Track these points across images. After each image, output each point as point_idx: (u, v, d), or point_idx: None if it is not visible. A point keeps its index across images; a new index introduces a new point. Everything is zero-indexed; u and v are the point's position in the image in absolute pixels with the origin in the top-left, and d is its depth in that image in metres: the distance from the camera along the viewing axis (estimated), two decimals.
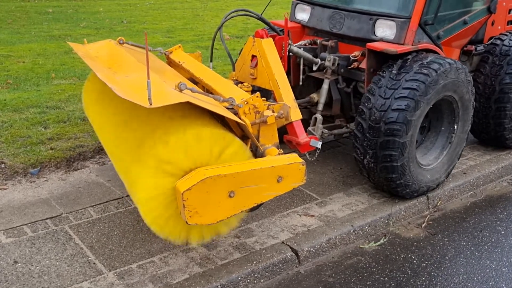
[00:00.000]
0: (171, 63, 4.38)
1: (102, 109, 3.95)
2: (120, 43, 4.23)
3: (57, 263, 3.47)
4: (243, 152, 3.15)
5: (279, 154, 3.32)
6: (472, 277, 3.64)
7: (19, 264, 3.45)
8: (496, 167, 5.11)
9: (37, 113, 5.72)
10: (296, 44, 4.74)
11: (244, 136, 3.39)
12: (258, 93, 3.36)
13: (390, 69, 4.08)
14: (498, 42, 5.05)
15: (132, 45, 4.35)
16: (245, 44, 5.00)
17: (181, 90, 2.96)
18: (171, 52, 4.41)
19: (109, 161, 4.87)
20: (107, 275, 3.38)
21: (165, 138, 2.96)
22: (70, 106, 5.91)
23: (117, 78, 3.31)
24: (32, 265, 3.44)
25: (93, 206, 4.16)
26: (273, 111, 3.44)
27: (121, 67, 3.61)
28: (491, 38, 5.16)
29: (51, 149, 4.92)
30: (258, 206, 3.24)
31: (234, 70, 4.33)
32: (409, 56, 4.13)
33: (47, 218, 3.97)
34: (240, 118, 3.21)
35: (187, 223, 2.92)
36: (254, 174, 3.00)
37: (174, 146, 2.95)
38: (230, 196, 2.96)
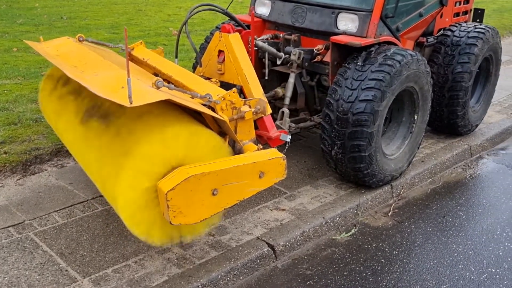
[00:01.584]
0: (133, 60, 4.24)
1: (64, 108, 3.77)
2: (79, 40, 4.05)
3: (27, 273, 3.30)
4: (224, 149, 3.11)
5: (258, 149, 3.30)
6: (442, 261, 3.77)
7: None
8: (450, 154, 5.31)
9: None
10: (259, 38, 4.72)
11: (221, 132, 3.35)
12: (234, 89, 3.33)
13: (355, 61, 4.14)
14: (449, 33, 5.24)
15: (92, 42, 4.19)
16: (205, 38, 4.93)
17: (158, 88, 2.88)
18: (133, 49, 4.27)
19: (68, 163, 4.68)
20: (82, 282, 3.25)
21: (145, 138, 2.87)
22: (19, 107, 5.62)
23: (86, 77, 3.17)
24: None
25: (57, 211, 3.99)
26: (250, 107, 3.41)
27: (88, 65, 3.45)
28: (440, 29, 5.35)
29: (5, 153, 4.66)
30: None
31: (200, 65, 4.25)
32: (373, 48, 4.21)
33: (9, 226, 3.77)
34: (218, 115, 3.16)
35: (171, 223, 2.85)
36: (236, 170, 2.97)
37: (154, 145, 2.86)
38: (213, 194, 2.92)
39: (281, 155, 3.19)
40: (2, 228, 3.74)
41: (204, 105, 3.20)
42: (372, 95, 3.97)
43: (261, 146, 3.37)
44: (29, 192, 4.24)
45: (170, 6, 12.78)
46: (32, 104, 5.68)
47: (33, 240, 3.63)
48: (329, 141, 4.20)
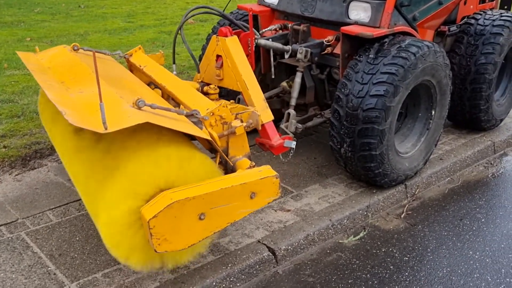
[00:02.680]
0: (131, 66, 4.08)
1: (60, 125, 3.58)
2: (74, 50, 3.83)
3: (13, 276, 3.17)
4: (212, 169, 2.91)
5: (251, 166, 3.09)
6: (456, 269, 3.50)
7: None
8: (472, 151, 4.99)
9: None
10: (266, 29, 4.49)
11: (212, 149, 3.16)
12: (224, 102, 3.14)
13: (367, 53, 3.87)
14: (473, 21, 4.90)
15: (88, 50, 3.94)
16: (208, 38, 4.68)
17: (139, 108, 2.69)
18: (131, 55, 4.08)
19: None
20: (70, 287, 3.10)
21: (136, 156, 2.70)
22: (24, 99, 5.51)
23: (71, 95, 3.00)
24: None
25: (52, 209, 3.85)
26: (241, 121, 3.21)
27: (75, 80, 3.26)
28: (463, 18, 5.01)
29: (4, 147, 4.55)
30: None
31: (199, 71, 4.02)
32: (386, 39, 3.93)
33: (1, 225, 3.65)
34: (207, 130, 2.99)
35: (156, 251, 2.67)
36: (225, 193, 2.77)
37: (144, 165, 2.69)
38: (200, 219, 2.72)
39: (274, 173, 2.97)
40: None
41: (192, 121, 2.99)
42: (384, 90, 3.70)
43: (254, 164, 3.14)
44: (26, 189, 4.11)
45: None
46: (38, 96, 5.55)
47: (24, 240, 3.50)
48: (338, 139, 3.95)
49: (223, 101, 3.19)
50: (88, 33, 8.56)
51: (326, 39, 4.20)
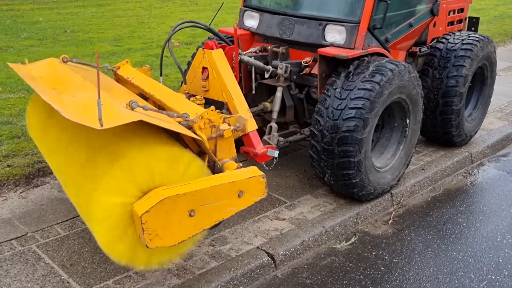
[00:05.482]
0: (119, 79, 4.24)
1: (49, 133, 3.74)
2: (64, 61, 4.01)
3: (29, 285, 3.34)
4: (201, 169, 3.09)
5: (238, 168, 3.29)
6: (442, 269, 3.78)
7: None
8: (451, 161, 5.32)
9: None
10: (246, 51, 4.69)
11: (201, 152, 3.36)
12: (213, 107, 3.34)
13: (344, 72, 4.14)
14: (444, 40, 5.22)
15: (76, 62, 4.15)
16: (194, 55, 4.91)
17: (132, 109, 2.88)
18: (118, 68, 4.27)
19: None
20: None
21: (122, 159, 2.87)
22: (22, 120, 5.68)
23: (64, 99, 3.18)
24: None
25: (59, 223, 4.03)
26: (229, 124, 3.42)
27: (66, 87, 3.43)
28: (433, 39, 5.35)
29: (8, 166, 4.73)
30: (218, 223, 3.18)
31: (185, 83, 4.23)
32: (362, 59, 4.20)
33: (12, 239, 3.81)
34: (196, 134, 3.17)
35: (147, 246, 2.83)
36: (214, 190, 2.95)
37: (130, 167, 2.86)
38: (190, 215, 2.89)
39: (261, 173, 3.15)
40: (5, 241, 3.79)
41: (182, 124, 3.20)
42: (361, 104, 3.95)
43: (241, 165, 3.34)
44: (32, 205, 4.29)
45: (173, 18, 12.87)
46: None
47: (35, 252, 3.67)
48: (319, 169, 4.22)
49: (212, 107, 3.37)
50: (77, 57, 8.74)
51: (304, 60, 4.45)
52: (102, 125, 2.56)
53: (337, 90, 4.07)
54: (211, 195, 2.95)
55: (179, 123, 3.21)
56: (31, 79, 3.63)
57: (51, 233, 3.90)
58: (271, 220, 4.18)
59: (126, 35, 10.89)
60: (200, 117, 3.25)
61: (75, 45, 9.63)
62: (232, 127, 3.43)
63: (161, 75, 4.52)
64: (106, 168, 2.90)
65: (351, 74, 4.09)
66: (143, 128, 3.05)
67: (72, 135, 3.43)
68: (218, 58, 3.94)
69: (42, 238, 3.83)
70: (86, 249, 3.72)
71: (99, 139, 3.15)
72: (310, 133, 4.20)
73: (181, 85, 4.32)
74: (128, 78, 4.15)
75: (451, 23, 5.60)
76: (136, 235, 2.93)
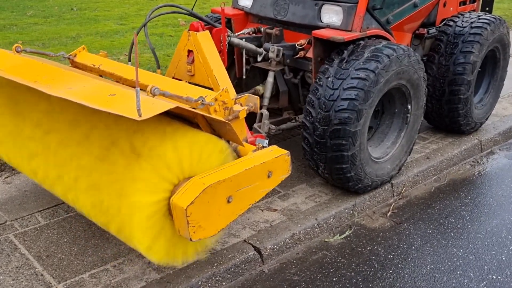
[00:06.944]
0: (78, 67, 3.94)
1: (20, 133, 3.45)
2: (17, 51, 3.60)
3: (0, 277, 3.20)
4: (229, 154, 2.99)
5: (259, 147, 3.16)
6: (440, 267, 3.55)
7: None
8: (458, 149, 5.05)
9: None
10: (239, 32, 4.42)
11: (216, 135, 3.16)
12: (226, 88, 3.15)
13: (338, 58, 3.87)
14: (451, 23, 4.89)
15: (31, 51, 3.78)
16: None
17: (154, 95, 2.67)
18: (75, 55, 3.99)
19: None
20: (57, 287, 3.14)
21: (147, 154, 2.67)
22: None
23: (59, 91, 2.88)
24: None
25: (40, 211, 3.89)
26: (241, 105, 3.25)
27: (53, 79, 3.09)
28: (443, 20, 5.01)
29: None
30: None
31: (158, 67, 3.98)
32: (358, 43, 3.92)
33: None
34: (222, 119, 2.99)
35: (191, 240, 2.69)
36: (248, 173, 2.85)
37: (159, 161, 2.68)
38: (228, 202, 2.78)
39: (285, 151, 3.10)
40: None
41: (199, 108, 2.99)
42: (355, 95, 3.68)
43: (261, 145, 3.21)
44: (16, 191, 4.15)
45: None
46: None
47: (12, 242, 3.53)
48: (310, 140, 3.92)
49: (225, 87, 3.20)
50: (80, 35, 8.59)
51: (298, 42, 4.17)
52: (140, 115, 2.35)
53: (329, 79, 3.79)
54: (246, 179, 2.87)
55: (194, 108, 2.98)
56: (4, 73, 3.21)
57: (31, 222, 3.75)
58: (262, 211, 3.98)
59: (133, 13, 10.69)
60: (215, 99, 3.11)
61: (79, 23, 9.47)
62: (246, 108, 3.29)
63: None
64: (130, 167, 2.70)
65: (345, 61, 3.80)
66: (160, 118, 2.77)
67: (62, 132, 3.15)
68: (204, 41, 3.69)
69: (21, 227, 3.69)
70: (65, 240, 3.57)
71: (104, 134, 2.91)
72: (302, 125, 3.95)
73: (155, 71, 4.03)
74: (94, 65, 3.83)
75: (463, 3, 5.25)
76: (171, 230, 2.81)
